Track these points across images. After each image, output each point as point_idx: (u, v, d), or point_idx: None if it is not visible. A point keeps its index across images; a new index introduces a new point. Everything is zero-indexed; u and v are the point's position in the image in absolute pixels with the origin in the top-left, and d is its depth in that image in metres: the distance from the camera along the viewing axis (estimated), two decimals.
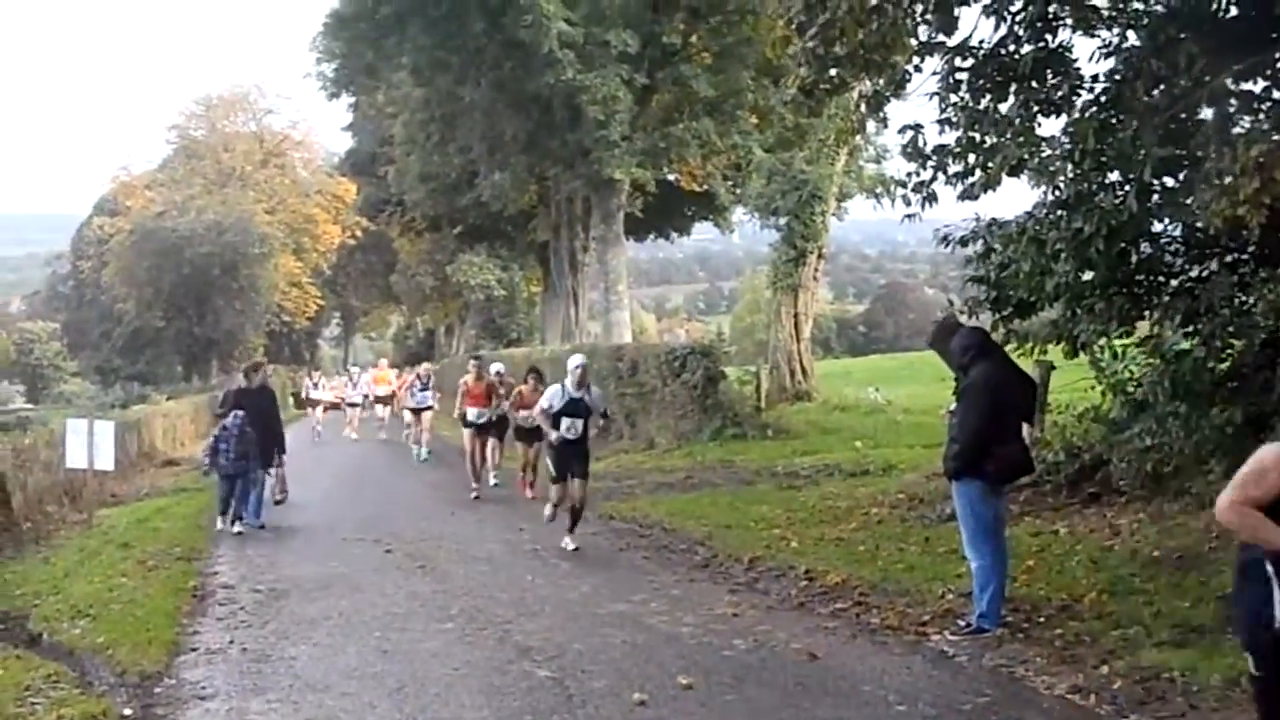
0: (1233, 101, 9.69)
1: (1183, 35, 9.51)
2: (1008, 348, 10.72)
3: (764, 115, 32.10)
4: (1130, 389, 11.60)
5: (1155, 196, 9.84)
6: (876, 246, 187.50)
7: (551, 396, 13.73)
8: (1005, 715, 7.06)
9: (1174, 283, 10.65)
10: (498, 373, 20.15)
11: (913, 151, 11.40)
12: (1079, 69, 10.52)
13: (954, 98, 11.12)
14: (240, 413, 15.46)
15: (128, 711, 7.64)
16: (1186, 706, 6.83)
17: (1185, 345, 10.34)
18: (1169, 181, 9.90)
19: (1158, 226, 10.46)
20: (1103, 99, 10.29)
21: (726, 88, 32.44)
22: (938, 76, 11.24)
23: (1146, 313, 10.72)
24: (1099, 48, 10.43)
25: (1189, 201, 9.25)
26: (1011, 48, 10.75)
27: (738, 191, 38.85)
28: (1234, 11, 9.78)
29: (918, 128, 11.37)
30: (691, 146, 33.18)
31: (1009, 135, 10.69)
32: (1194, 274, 10.58)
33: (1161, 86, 9.76)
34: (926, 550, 11.45)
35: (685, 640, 9.04)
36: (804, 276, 29.64)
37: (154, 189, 70.46)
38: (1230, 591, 5.40)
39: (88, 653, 9.23)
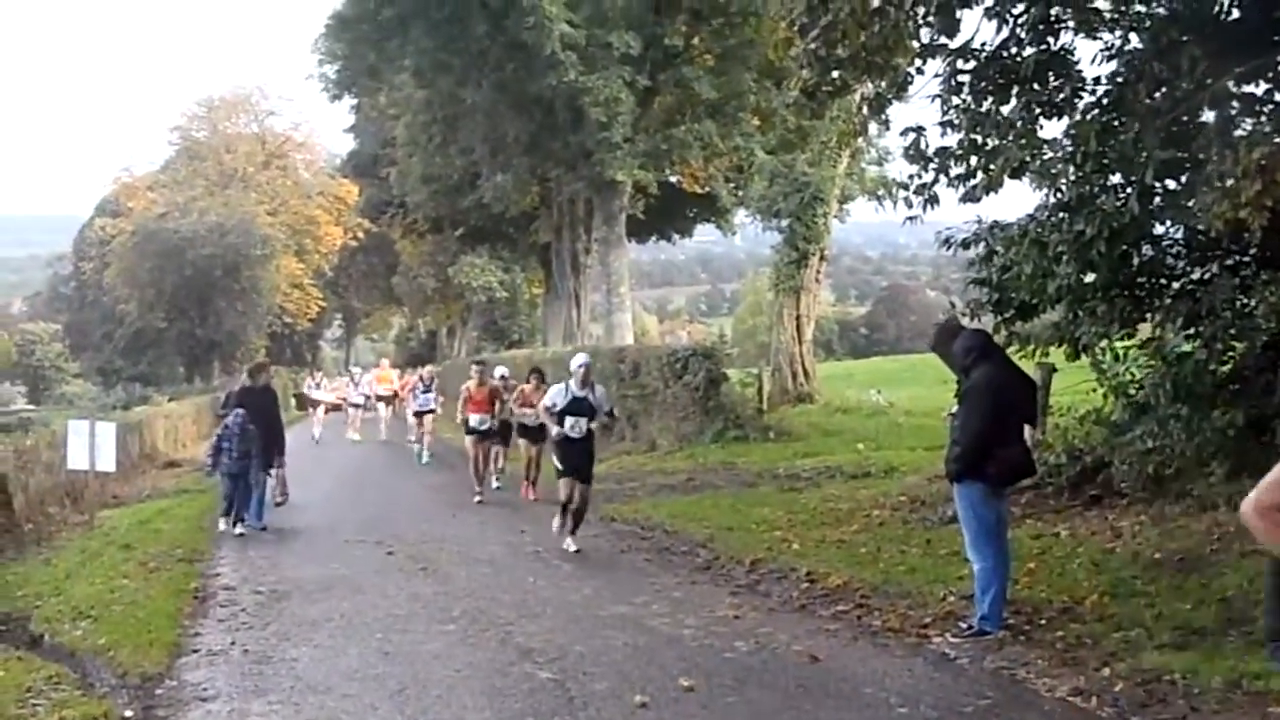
0: (1234, 104, 9.71)
1: (1185, 38, 9.53)
2: (1009, 350, 10.72)
3: (766, 117, 32.11)
4: (1132, 391, 11.61)
5: (1157, 199, 9.86)
6: (878, 249, 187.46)
7: (555, 394, 13.70)
8: (1006, 718, 7.06)
9: (1175, 285, 10.67)
10: (502, 376, 19.98)
11: (915, 154, 11.42)
12: (1081, 71, 10.54)
13: (956, 100, 11.14)
14: (241, 411, 15.46)
15: (129, 713, 7.64)
16: (1188, 709, 6.82)
17: (1187, 348, 10.35)
18: (1171, 184, 9.92)
19: (1159, 229, 10.48)
20: (1104, 101, 10.31)
21: (728, 90, 32.48)
22: (940, 79, 11.26)
23: (1148, 315, 10.73)
24: (1101, 50, 10.46)
25: (1191, 204, 9.26)
26: (1013, 50, 10.77)
27: (740, 193, 38.84)
28: (1236, 14, 9.80)
29: (920, 130, 11.39)
30: (693, 148, 33.22)
31: (1011, 137, 10.70)
32: (1195, 276, 10.59)
33: (1163, 89, 9.77)
34: (928, 552, 11.44)
35: (687, 642, 9.03)
36: (806, 278, 29.63)
37: (156, 190, 70.49)
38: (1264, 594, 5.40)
39: (89, 654, 9.23)
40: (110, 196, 75.15)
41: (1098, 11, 10.41)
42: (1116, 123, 10.06)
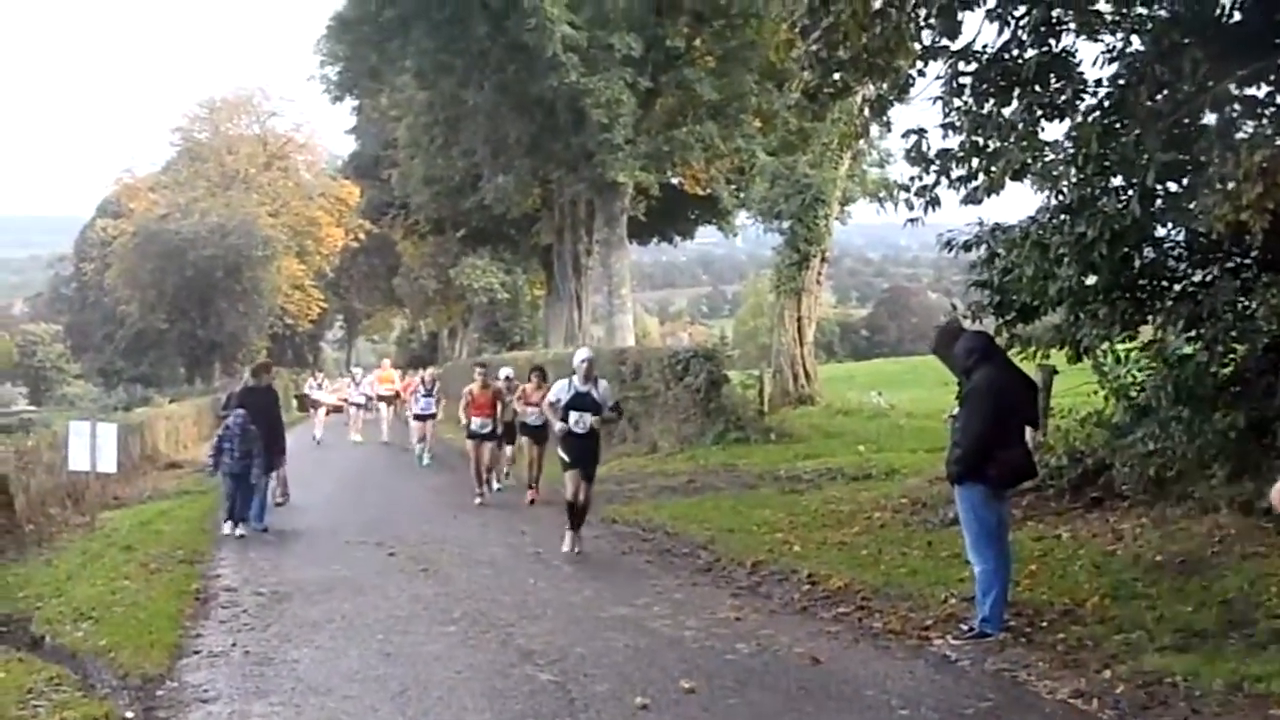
0: (1236, 106, 9.71)
1: (1186, 41, 9.53)
2: (1011, 352, 10.72)
3: (767, 119, 32.09)
4: (1133, 394, 11.61)
5: (1158, 201, 9.86)
6: (880, 250, 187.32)
7: (559, 390, 13.65)
8: None
9: (1177, 287, 10.66)
10: (507, 378, 19.81)
11: (916, 156, 11.42)
12: (1082, 74, 10.54)
13: (957, 102, 11.14)
14: (242, 411, 15.44)
15: (130, 714, 7.64)
16: (1189, 711, 6.82)
17: (1188, 350, 10.35)
18: (1172, 186, 9.92)
19: (1161, 231, 10.47)
20: (1106, 104, 10.31)
21: (730, 91, 32.49)
22: (941, 81, 11.27)
23: (1149, 317, 10.73)
24: (1102, 53, 10.46)
25: (1192, 206, 9.27)
26: (1015, 52, 10.78)
27: (741, 195, 38.81)
28: (1237, 17, 9.80)
29: (921, 132, 11.39)
30: (695, 150, 33.21)
31: (1012, 140, 10.70)
32: (1197, 279, 10.59)
33: (1165, 91, 9.77)
34: (929, 555, 11.44)
35: (688, 644, 9.03)
36: (807, 280, 29.63)
37: (157, 191, 70.60)
38: None
39: (90, 655, 9.22)
40: (112, 197, 75.23)
41: (1099, 14, 10.42)
42: (1118, 125, 10.06)
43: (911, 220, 11.83)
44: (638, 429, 24.16)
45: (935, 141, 11.36)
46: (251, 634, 9.79)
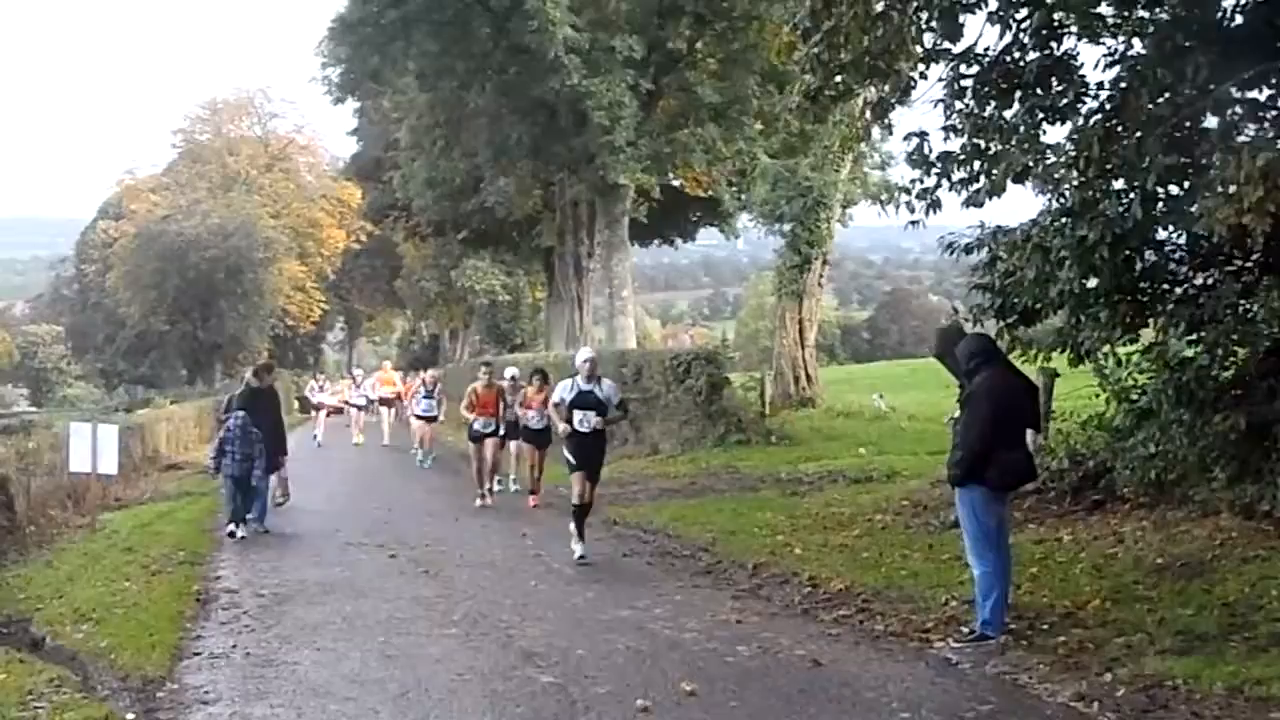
0: (1237, 110, 9.70)
1: (1188, 44, 9.53)
2: (1012, 355, 10.72)
3: (769, 121, 32.07)
4: (1134, 396, 11.60)
5: (1159, 204, 9.85)
6: (881, 253, 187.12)
7: (562, 390, 13.50)
8: None
9: (1178, 290, 10.66)
10: (512, 378, 19.56)
11: (918, 158, 11.41)
12: (1084, 77, 10.54)
13: (959, 105, 11.14)
14: (242, 413, 15.41)
15: (130, 716, 7.63)
16: (1190, 714, 6.82)
17: (1189, 353, 10.35)
18: (1173, 190, 9.91)
19: (1162, 234, 10.46)
20: (1107, 107, 10.30)
21: (732, 94, 32.50)
22: (943, 83, 11.27)
23: (1151, 320, 10.73)
24: (1104, 55, 10.47)
25: (1193, 210, 9.25)
26: (1016, 55, 10.78)
27: (743, 197, 38.77)
28: (1239, 20, 9.80)
29: (923, 134, 11.39)
30: (696, 152, 33.20)
31: (1014, 142, 10.70)
32: (1198, 282, 10.59)
33: (1166, 95, 9.76)
34: (930, 557, 11.45)
35: (688, 646, 9.03)
36: (808, 283, 29.66)
37: (159, 193, 70.69)
38: None
39: (91, 657, 9.22)
40: (113, 199, 75.40)
41: (1101, 17, 10.43)
42: (1119, 128, 10.05)
43: (913, 223, 11.81)
44: (639, 431, 24.17)
45: (937, 144, 11.37)
46: (252, 636, 9.79)
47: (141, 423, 31.33)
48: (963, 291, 14.03)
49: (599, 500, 14.70)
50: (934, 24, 11.18)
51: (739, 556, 12.51)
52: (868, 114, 12.87)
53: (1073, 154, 10.21)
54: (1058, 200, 10.48)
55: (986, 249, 11.24)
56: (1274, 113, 9.78)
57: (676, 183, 40.60)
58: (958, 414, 9.42)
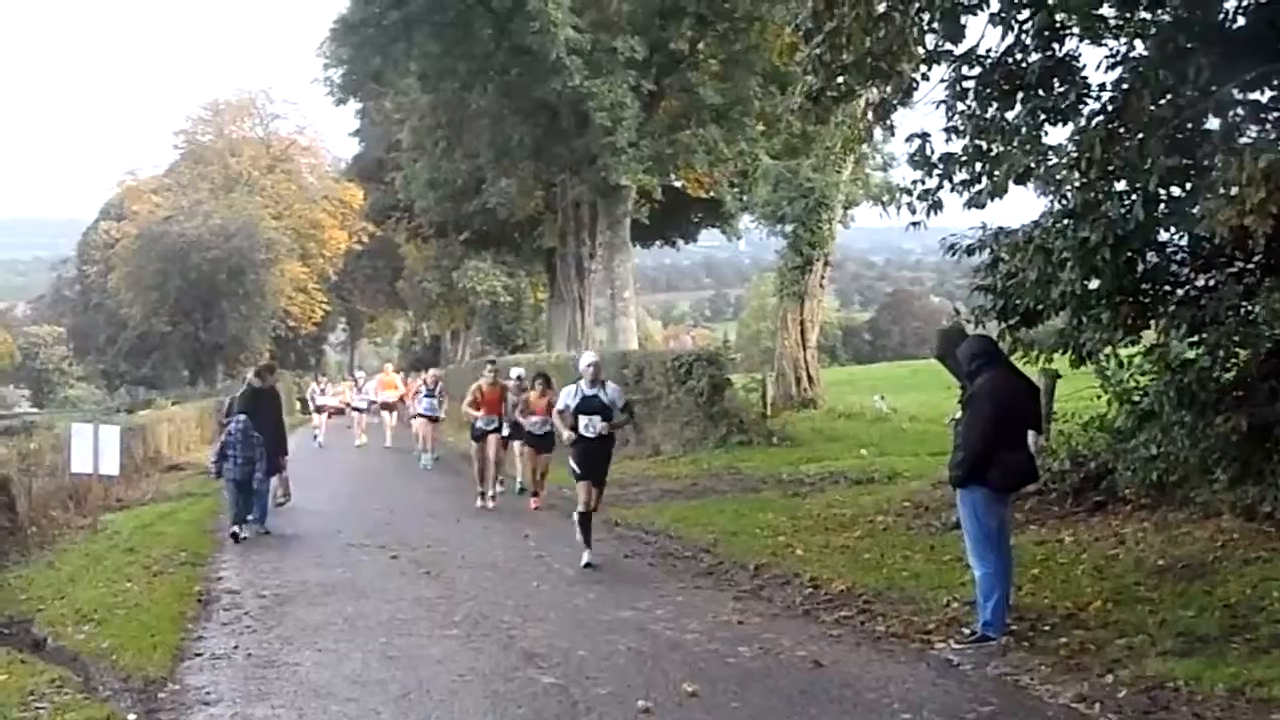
0: (1239, 111, 9.69)
1: (1190, 45, 9.52)
2: (1013, 356, 10.71)
3: (771, 122, 32.07)
4: (1136, 398, 11.60)
5: (1161, 206, 9.83)
6: (883, 254, 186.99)
7: (566, 395, 13.34)
8: None
9: (1180, 292, 10.66)
10: (518, 378, 19.22)
11: (919, 159, 11.41)
12: (1086, 78, 10.53)
13: (961, 106, 11.14)
14: (244, 417, 15.39)
15: (132, 717, 7.64)
16: (1191, 716, 6.82)
17: (1191, 354, 10.34)
18: (1175, 191, 9.90)
19: (1164, 236, 10.45)
20: (1109, 108, 10.29)
21: (733, 95, 32.52)
22: (945, 84, 11.27)
23: (1152, 322, 10.72)
24: (1106, 57, 10.46)
25: (1195, 211, 9.24)
26: (1019, 56, 10.77)
27: (744, 198, 38.79)
28: (1241, 22, 9.79)
29: (925, 136, 11.39)
30: (698, 153, 33.21)
31: (1015, 144, 10.69)
32: (1200, 283, 10.59)
33: (1168, 96, 9.76)
34: (931, 558, 11.45)
35: (690, 647, 9.04)
36: (810, 284, 29.66)
37: (160, 194, 70.71)
38: None
39: (92, 658, 9.24)
40: (115, 200, 75.36)
41: (1103, 18, 10.42)
42: (1121, 129, 10.05)
43: (914, 224, 11.79)
44: (640, 432, 24.15)
45: (938, 145, 11.37)
46: (254, 636, 9.80)
47: (143, 424, 31.33)
48: (964, 293, 14.03)
49: (601, 502, 14.69)
50: (936, 25, 11.18)
51: (740, 557, 12.51)
52: (869, 115, 12.86)
53: (1074, 155, 10.20)
54: (1059, 202, 10.47)
55: (988, 250, 11.23)
56: (1276, 114, 9.77)
57: (678, 184, 40.62)
58: (959, 415, 9.42)
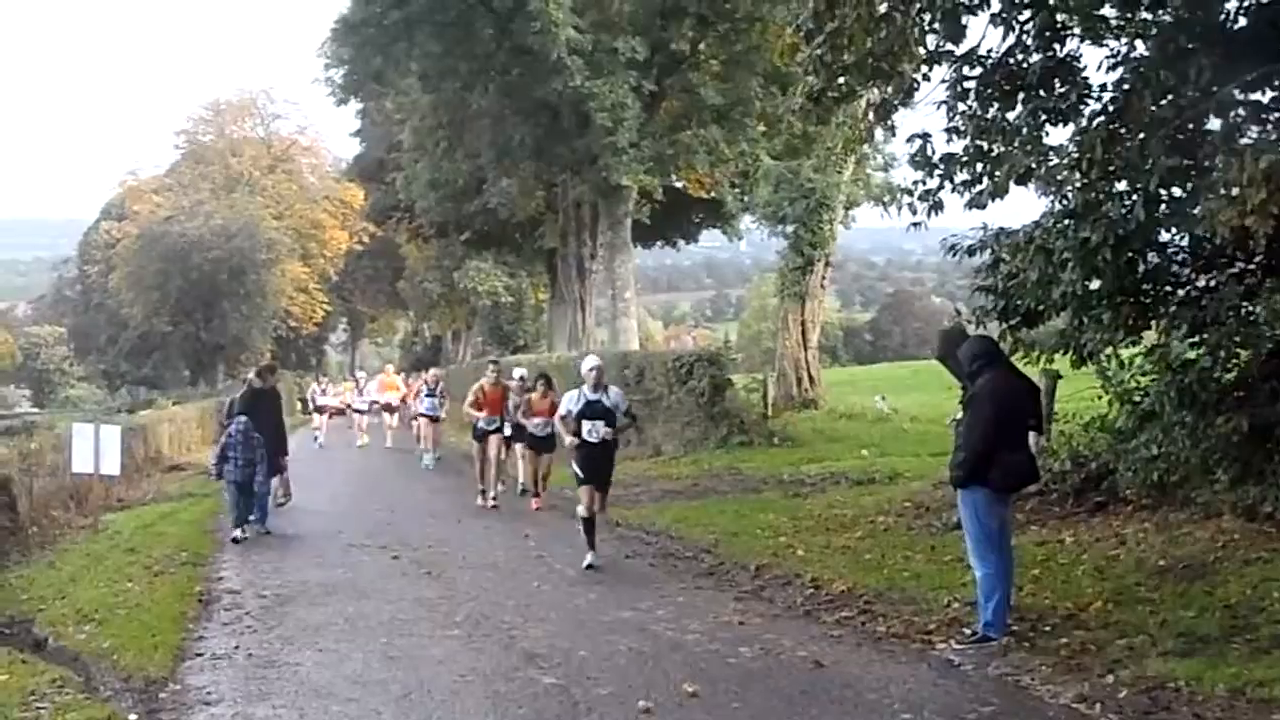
0: (1240, 112, 9.69)
1: (1191, 46, 9.53)
2: (1014, 357, 10.72)
3: (772, 123, 32.08)
4: (1137, 398, 11.60)
5: (1162, 206, 9.84)
6: (884, 255, 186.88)
7: (569, 401, 13.26)
8: None
9: (1181, 292, 10.67)
10: (520, 378, 19.14)
11: (920, 160, 11.41)
12: (1087, 78, 10.54)
13: (962, 106, 11.14)
14: (244, 418, 15.38)
15: (133, 717, 7.64)
16: (1191, 716, 6.82)
17: (1192, 355, 10.34)
18: (1176, 191, 9.90)
19: (1165, 236, 10.46)
20: (1110, 109, 10.29)
21: (734, 95, 32.52)
22: (946, 85, 11.27)
23: (1153, 322, 10.73)
24: (1107, 57, 10.46)
25: (1196, 211, 9.24)
26: (1019, 57, 10.78)
27: (745, 199, 38.79)
28: (1242, 22, 9.80)
29: (925, 136, 11.40)
30: (699, 154, 33.22)
31: (1016, 144, 10.70)
32: (1201, 284, 10.59)
33: (1169, 97, 9.76)
34: (932, 559, 11.45)
35: (691, 647, 9.04)
36: (811, 284, 29.67)
37: (161, 194, 70.71)
38: None
39: (93, 658, 9.24)
40: (116, 200, 75.34)
41: (1104, 19, 10.42)
42: (1122, 130, 10.05)
43: (915, 224, 11.79)
44: (641, 432, 24.13)
45: (939, 146, 11.37)
46: (254, 636, 9.80)
47: (144, 424, 31.30)
48: (965, 293, 14.03)
49: (606, 504, 14.69)
50: (937, 26, 11.18)
51: (741, 558, 12.51)
52: (870, 115, 12.86)
53: (1075, 156, 10.20)
54: (1060, 202, 10.47)
55: (989, 251, 11.24)
56: (1277, 115, 9.77)
57: (679, 184, 40.63)
58: (960, 415, 9.41)
